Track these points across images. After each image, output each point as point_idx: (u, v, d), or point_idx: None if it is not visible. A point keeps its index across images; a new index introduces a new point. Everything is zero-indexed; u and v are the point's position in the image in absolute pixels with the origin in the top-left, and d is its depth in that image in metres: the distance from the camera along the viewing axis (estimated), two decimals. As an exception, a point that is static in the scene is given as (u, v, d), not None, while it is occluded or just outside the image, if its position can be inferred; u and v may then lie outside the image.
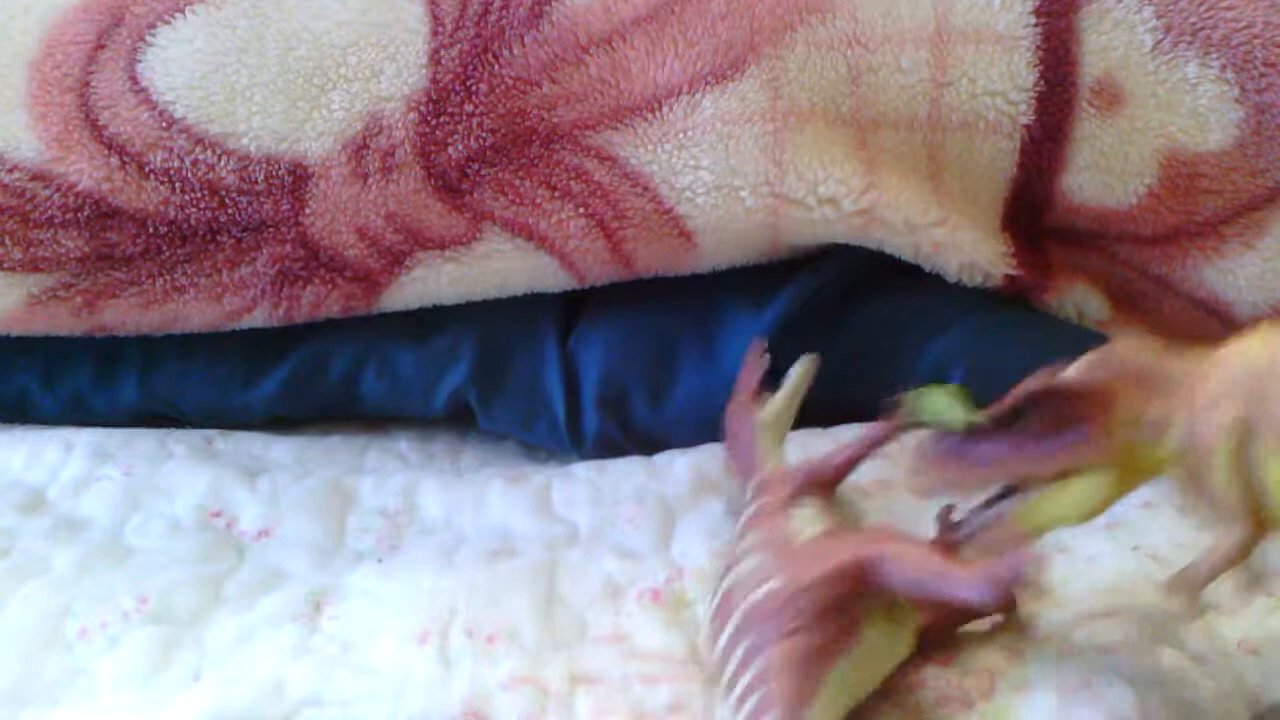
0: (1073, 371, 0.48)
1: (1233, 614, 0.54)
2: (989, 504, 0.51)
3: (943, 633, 0.53)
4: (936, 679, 0.52)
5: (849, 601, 0.49)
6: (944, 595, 0.48)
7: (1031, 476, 0.49)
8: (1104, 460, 0.48)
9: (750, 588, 0.51)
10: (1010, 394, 0.48)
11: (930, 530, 0.58)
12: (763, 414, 0.61)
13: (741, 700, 0.48)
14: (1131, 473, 0.48)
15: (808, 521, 0.53)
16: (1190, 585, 0.48)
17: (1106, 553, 0.59)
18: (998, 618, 0.55)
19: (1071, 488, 0.48)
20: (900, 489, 0.66)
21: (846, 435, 0.69)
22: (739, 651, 0.49)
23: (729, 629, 0.51)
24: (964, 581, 0.46)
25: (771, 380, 0.70)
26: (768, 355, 0.64)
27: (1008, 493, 0.50)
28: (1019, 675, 0.51)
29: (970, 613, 0.54)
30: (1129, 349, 0.48)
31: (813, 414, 0.65)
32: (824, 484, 0.56)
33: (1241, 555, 0.47)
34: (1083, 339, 0.71)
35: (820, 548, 0.51)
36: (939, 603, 0.53)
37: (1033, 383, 0.48)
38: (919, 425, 0.53)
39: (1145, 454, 0.47)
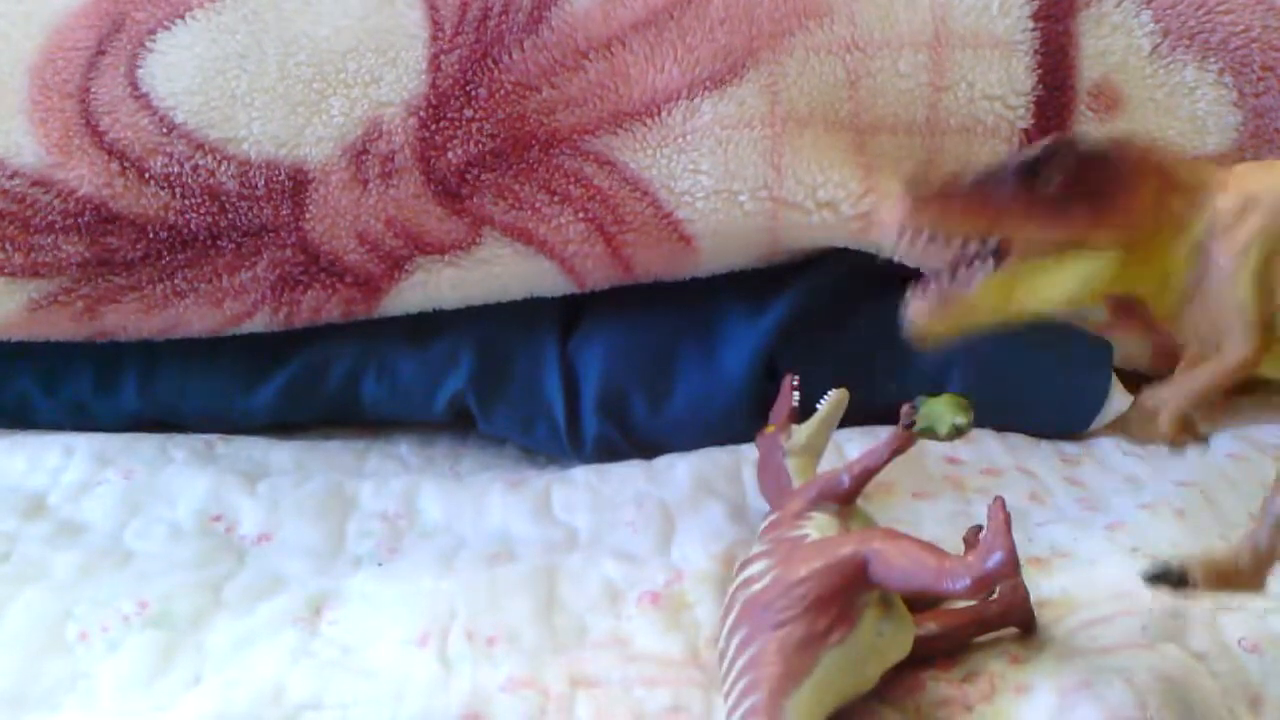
0: (1102, 141, 0.44)
1: (1234, 611, 0.54)
2: (955, 267, 0.45)
3: (954, 643, 0.54)
4: (936, 682, 0.52)
5: (843, 595, 0.49)
6: (930, 587, 0.48)
7: (1031, 239, 0.44)
8: (1118, 240, 0.44)
9: (750, 585, 0.52)
10: (1034, 146, 0.44)
11: (930, 532, 0.59)
12: (790, 442, 0.61)
13: (733, 685, 0.49)
14: (1135, 266, 0.44)
15: (820, 528, 0.54)
16: (1175, 405, 0.44)
17: (1106, 555, 0.59)
18: (1013, 631, 0.55)
19: (1072, 264, 0.44)
20: (900, 492, 0.67)
21: (847, 436, 0.69)
22: (734, 642, 0.50)
23: (728, 622, 0.52)
24: (948, 573, 0.47)
25: (768, 383, 0.70)
26: (798, 390, 0.64)
27: (981, 257, 0.45)
28: (1019, 678, 0.52)
29: (984, 624, 0.54)
30: (1144, 143, 0.45)
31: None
32: (840, 496, 0.56)
33: (1239, 373, 0.44)
34: (1080, 341, 0.71)
35: (820, 545, 0.52)
36: (933, 599, 0.54)
37: (1061, 138, 0.44)
38: (922, 434, 0.54)
39: (1159, 249, 0.44)
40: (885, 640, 0.50)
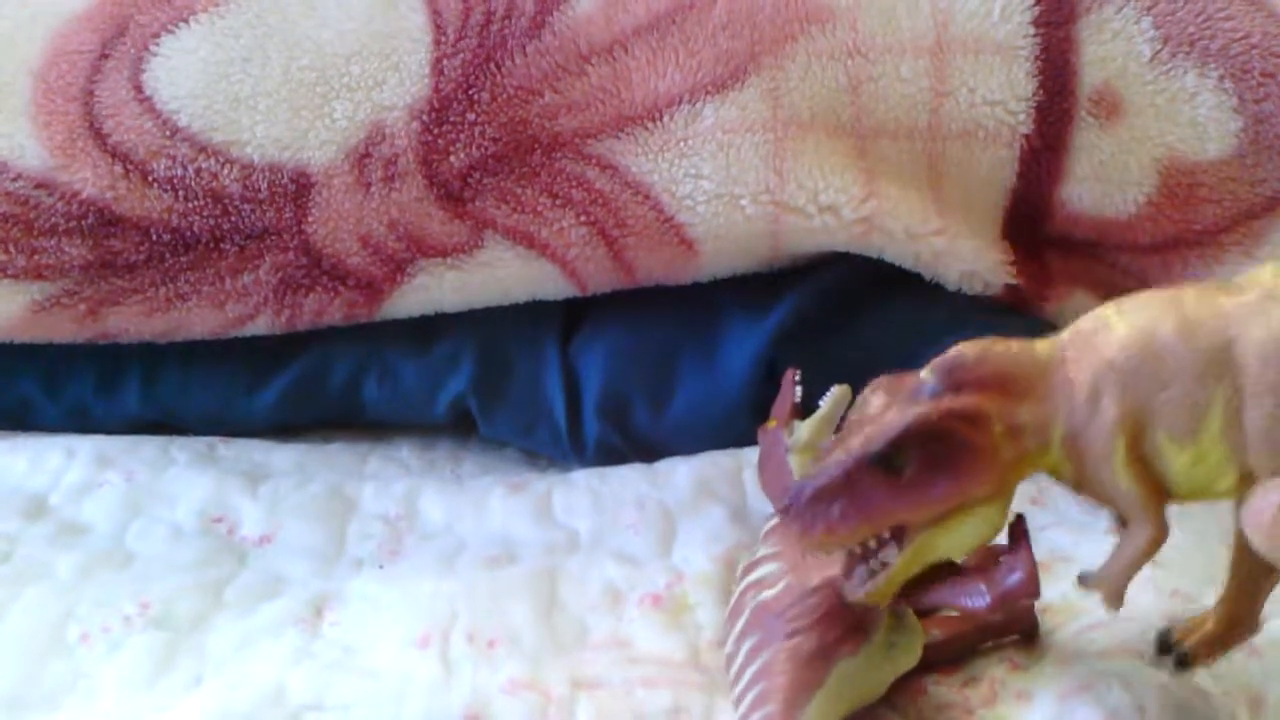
0: (935, 405, 0.44)
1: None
2: (866, 559, 0.47)
3: (958, 650, 0.54)
4: (937, 686, 0.52)
5: (857, 607, 0.49)
6: (946, 602, 0.48)
7: (916, 521, 0.46)
8: (992, 490, 0.45)
9: (761, 589, 0.52)
10: (881, 440, 0.45)
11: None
12: (794, 438, 0.61)
13: (744, 694, 0.49)
14: (1018, 482, 0.46)
15: None
16: (1111, 587, 0.46)
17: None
18: (1015, 638, 0.55)
19: (964, 521, 0.45)
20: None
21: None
22: (745, 648, 0.50)
23: (738, 626, 0.52)
24: (967, 590, 0.47)
25: (769, 386, 0.70)
26: (799, 384, 0.64)
27: (885, 545, 0.47)
28: (1020, 684, 0.52)
29: (988, 631, 0.54)
30: (974, 355, 0.45)
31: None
32: None
33: (1155, 549, 0.45)
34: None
35: (834, 554, 0.51)
36: (949, 613, 0.53)
37: (900, 425, 0.44)
38: None
39: (1031, 463, 0.45)
40: (897, 650, 0.50)
